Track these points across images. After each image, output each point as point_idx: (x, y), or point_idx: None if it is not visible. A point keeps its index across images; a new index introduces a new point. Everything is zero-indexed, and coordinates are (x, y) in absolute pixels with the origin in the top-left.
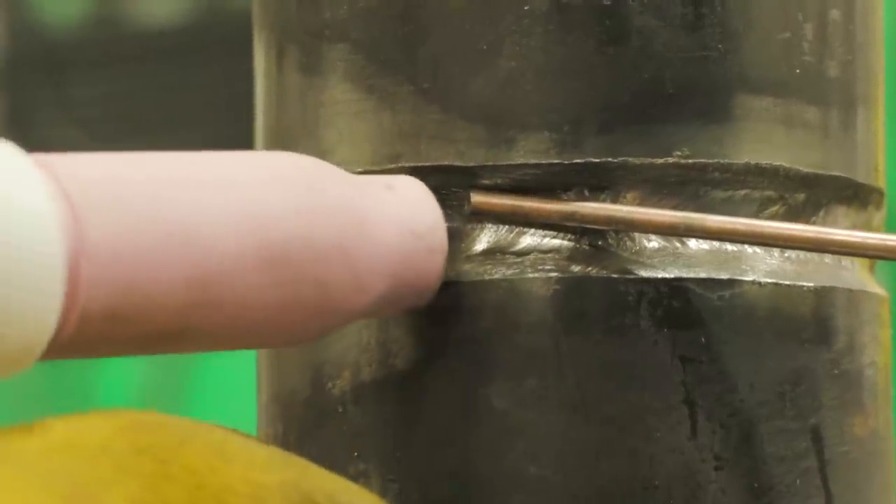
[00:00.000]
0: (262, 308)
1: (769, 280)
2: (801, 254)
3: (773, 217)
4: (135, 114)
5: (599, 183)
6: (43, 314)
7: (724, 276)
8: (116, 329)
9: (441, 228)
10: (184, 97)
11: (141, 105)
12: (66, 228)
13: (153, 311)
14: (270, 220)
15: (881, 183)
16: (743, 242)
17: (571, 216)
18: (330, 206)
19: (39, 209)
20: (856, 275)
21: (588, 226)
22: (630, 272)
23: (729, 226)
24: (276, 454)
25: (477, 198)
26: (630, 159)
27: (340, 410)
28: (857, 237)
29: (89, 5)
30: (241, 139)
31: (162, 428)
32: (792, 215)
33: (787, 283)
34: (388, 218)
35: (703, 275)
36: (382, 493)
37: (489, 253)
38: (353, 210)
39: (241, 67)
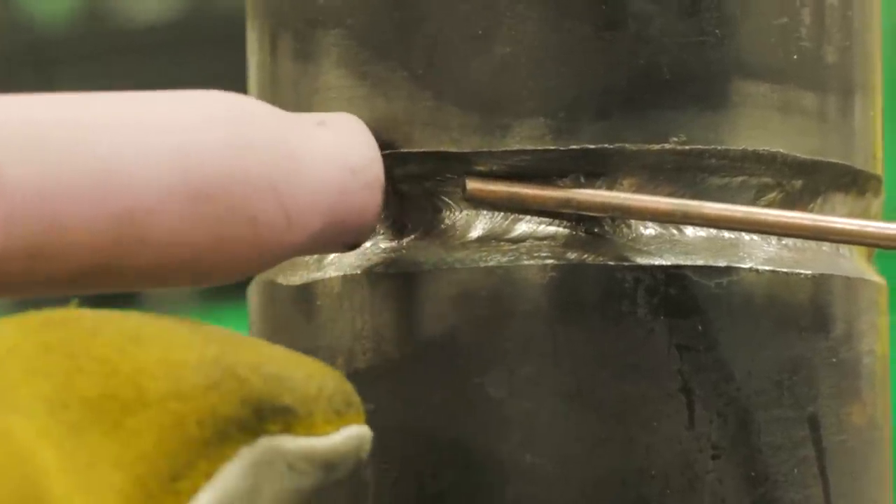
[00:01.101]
0: (191, 244)
1: (767, 267)
2: (799, 241)
3: (770, 204)
4: None
5: (595, 169)
6: None
7: (721, 263)
8: (39, 267)
9: (377, 163)
10: None
11: None
12: None
13: (75, 248)
14: (196, 156)
15: (879, 170)
16: (740, 230)
17: (567, 203)
18: (259, 142)
19: None
20: (854, 263)
21: (584, 213)
22: (627, 259)
23: (726, 213)
24: (200, 332)
25: (472, 184)
26: (626, 146)
27: None
28: (855, 225)
29: (78, 1)
30: None
31: (72, 322)
32: (789, 202)
33: (785, 270)
34: (321, 154)
35: (700, 262)
36: (378, 480)
37: (484, 240)
38: (283, 146)
39: (232, 63)
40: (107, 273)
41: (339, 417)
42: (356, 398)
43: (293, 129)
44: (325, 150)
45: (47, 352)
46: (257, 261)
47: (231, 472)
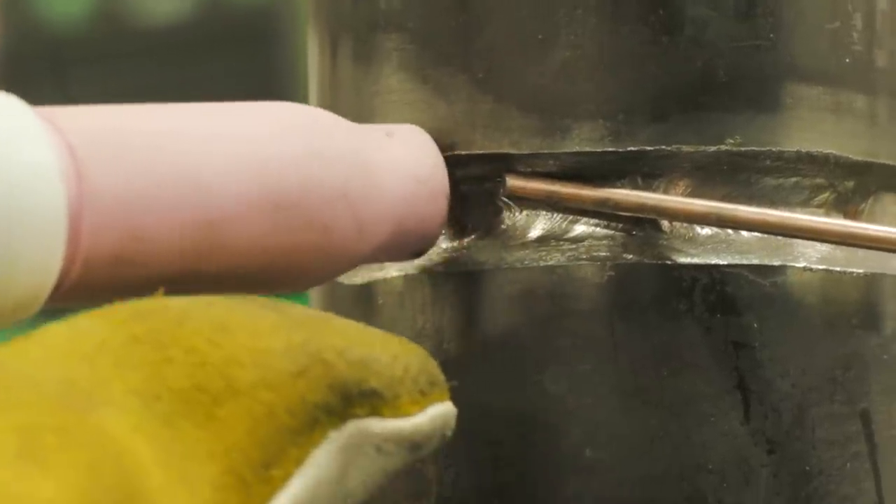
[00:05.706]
0: (267, 253)
1: (820, 266)
2: None
3: (822, 204)
4: None
5: (652, 171)
6: (47, 261)
7: (776, 262)
8: (121, 274)
9: (442, 172)
10: (187, 94)
11: (144, 102)
12: (67, 177)
13: (157, 255)
14: (274, 166)
15: None
16: (774, 234)
17: (605, 202)
18: (333, 152)
19: (40, 159)
20: None
21: (621, 213)
22: (684, 258)
23: (759, 217)
24: (285, 315)
25: (512, 182)
26: (683, 147)
27: None
28: (888, 232)
29: (92, 2)
30: None
31: (159, 312)
32: (841, 203)
33: (838, 269)
34: (390, 164)
35: (755, 261)
36: (439, 477)
37: (543, 240)
38: (356, 156)
39: (246, 63)
40: (186, 279)
41: (424, 397)
42: (440, 376)
43: (364, 139)
44: (395, 161)
45: (136, 344)
46: (328, 269)
47: (321, 457)
